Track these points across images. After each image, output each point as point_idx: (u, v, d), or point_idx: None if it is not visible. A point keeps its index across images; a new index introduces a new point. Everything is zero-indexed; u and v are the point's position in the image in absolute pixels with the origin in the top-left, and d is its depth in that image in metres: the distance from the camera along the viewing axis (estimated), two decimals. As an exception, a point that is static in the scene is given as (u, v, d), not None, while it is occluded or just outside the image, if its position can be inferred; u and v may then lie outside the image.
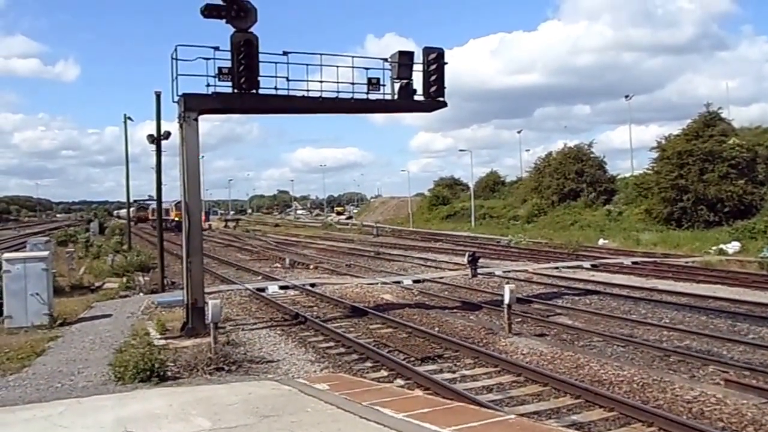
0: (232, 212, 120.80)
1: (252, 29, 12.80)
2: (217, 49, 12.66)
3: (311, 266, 27.37)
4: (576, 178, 52.15)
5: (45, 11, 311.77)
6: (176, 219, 52.58)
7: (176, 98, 13.04)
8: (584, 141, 59.06)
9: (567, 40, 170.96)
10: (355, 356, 10.97)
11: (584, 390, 8.45)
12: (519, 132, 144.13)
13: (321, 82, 14.06)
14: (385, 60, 14.49)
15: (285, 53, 13.29)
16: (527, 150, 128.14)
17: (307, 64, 13.88)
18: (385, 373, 9.87)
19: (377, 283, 20.53)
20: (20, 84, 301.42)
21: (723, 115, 41.63)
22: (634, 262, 25.29)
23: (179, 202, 58.26)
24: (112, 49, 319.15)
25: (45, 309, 13.90)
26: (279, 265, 28.12)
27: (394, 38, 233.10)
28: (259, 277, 23.48)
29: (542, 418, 7.66)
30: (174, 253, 29.67)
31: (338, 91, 14.19)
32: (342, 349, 11.47)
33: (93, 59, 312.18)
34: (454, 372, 9.89)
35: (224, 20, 12.64)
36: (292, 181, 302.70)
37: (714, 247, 29.16)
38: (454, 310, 15.62)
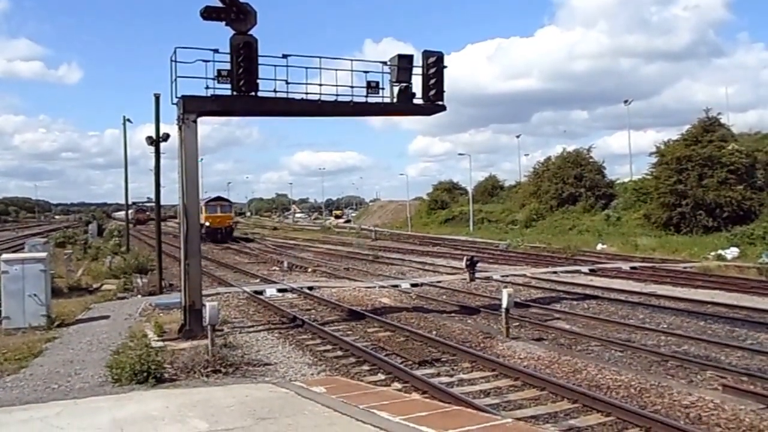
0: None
1: (251, 32, 12.81)
2: (216, 51, 12.68)
3: (309, 269, 27.36)
4: (575, 182, 52.12)
5: (49, 16, 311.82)
6: (207, 224, 45.24)
7: (175, 100, 13.04)
8: (582, 146, 58.97)
9: (564, 46, 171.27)
10: (352, 359, 10.96)
11: (582, 394, 8.44)
12: (518, 137, 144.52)
13: (320, 85, 14.09)
14: (385, 63, 14.51)
15: (284, 56, 13.31)
16: (526, 154, 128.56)
17: (307, 67, 13.95)
18: (383, 377, 9.86)
19: (375, 287, 20.52)
20: (23, 86, 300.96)
21: (722, 121, 41.70)
22: (632, 267, 25.29)
23: (209, 201, 51.66)
24: (113, 52, 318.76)
25: (43, 310, 13.88)
26: (277, 268, 28.10)
27: (392, 43, 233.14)
28: (257, 280, 23.46)
29: (539, 422, 7.66)
30: (172, 256, 29.63)
31: (337, 95, 14.20)
32: (339, 352, 11.45)
33: (95, 62, 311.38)
34: (451, 376, 9.89)
35: (224, 22, 12.65)
36: (290, 184, 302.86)
37: (712, 253, 29.16)
38: (452, 314, 15.60)
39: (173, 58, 12.58)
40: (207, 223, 45.09)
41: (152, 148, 21.70)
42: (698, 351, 11.24)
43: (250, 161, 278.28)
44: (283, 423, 6.50)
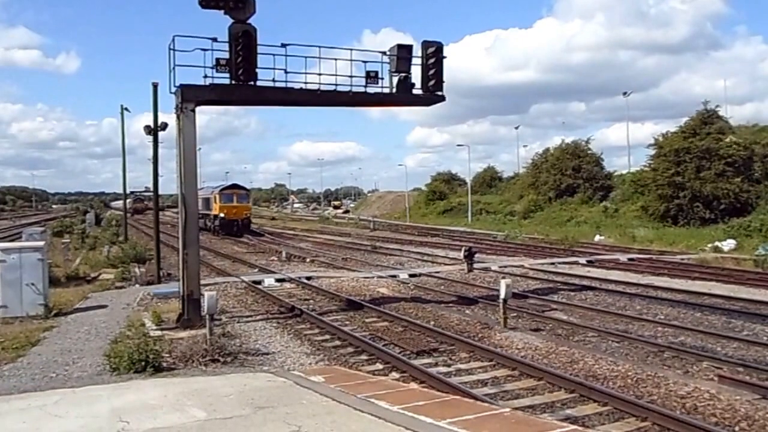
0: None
1: (250, 20, 12.73)
2: (215, 40, 12.59)
3: (308, 259, 27.36)
4: (573, 174, 52.20)
5: (48, 5, 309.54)
6: (222, 215, 41.25)
7: (173, 89, 12.97)
8: (581, 138, 59.07)
9: (562, 38, 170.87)
10: (350, 349, 10.98)
11: (579, 384, 8.48)
12: (516, 128, 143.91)
13: (319, 74, 14.03)
14: (384, 53, 14.43)
15: (283, 45, 13.24)
16: (524, 146, 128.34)
17: (306, 57, 13.90)
18: (381, 366, 9.89)
19: (373, 277, 20.53)
20: (20, 75, 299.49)
21: (720, 114, 41.73)
22: (630, 259, 25.33)
23: (224, 189, 47.79)
24: (111, 41, 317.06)
25: (40, 299, 13.87)
26: (275, 258, 28.11)
27: (390, 33, 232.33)
28: (256, 270, 23.46)
29: (537, 411, 7.69)
30: (170, 245, 29.62)
31: (336, 84, 14.14)
32: (337, 342, 11.48)
33: (93, 51, 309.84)
34: (449, 365, 9.91)
35: (222, 11, 12.56)
36: (289, 174, 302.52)
37: (709, 245, 29.25)
38: (450, 305, 15.63)
39: (171, 47, 12.52)
40: (221, 215, 41.06)
41: (150, 138, 21.60)
42: (695, 342, 11.28)
43: (249, 151, 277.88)
44: (281, 412, 6.52)
